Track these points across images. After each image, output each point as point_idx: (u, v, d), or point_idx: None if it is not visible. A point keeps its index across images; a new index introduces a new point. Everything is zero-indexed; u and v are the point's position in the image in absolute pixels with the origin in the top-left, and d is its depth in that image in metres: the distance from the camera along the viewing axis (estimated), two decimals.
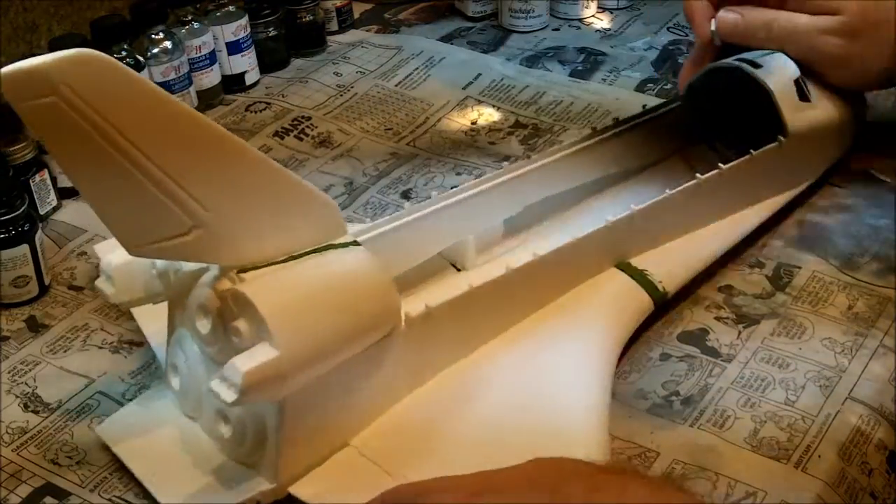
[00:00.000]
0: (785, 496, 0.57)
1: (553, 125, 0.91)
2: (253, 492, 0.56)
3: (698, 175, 0.70)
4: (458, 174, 0.86)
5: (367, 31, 1.10)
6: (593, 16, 1.10)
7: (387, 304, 0.57)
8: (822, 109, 0.76)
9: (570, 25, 1.09)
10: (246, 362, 0.50)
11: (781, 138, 0.73)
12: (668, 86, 0.96)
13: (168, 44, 0.89)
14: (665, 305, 0.69)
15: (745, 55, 0.76)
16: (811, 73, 0.76)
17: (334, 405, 0.57)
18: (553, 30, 1.08)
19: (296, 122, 0.94)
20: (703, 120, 0.80)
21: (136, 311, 0.68)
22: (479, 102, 0.96)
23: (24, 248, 0.72)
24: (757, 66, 0.74)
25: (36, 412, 0.65)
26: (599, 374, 0.61)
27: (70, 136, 0.46)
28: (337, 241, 0.58)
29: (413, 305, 0.59)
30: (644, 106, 0.81)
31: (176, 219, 0.51)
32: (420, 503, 0.47)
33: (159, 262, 0.58)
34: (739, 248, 0.74)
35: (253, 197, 0.53)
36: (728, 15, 0.77)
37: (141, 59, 0.87)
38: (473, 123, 0.93)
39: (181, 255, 0.54)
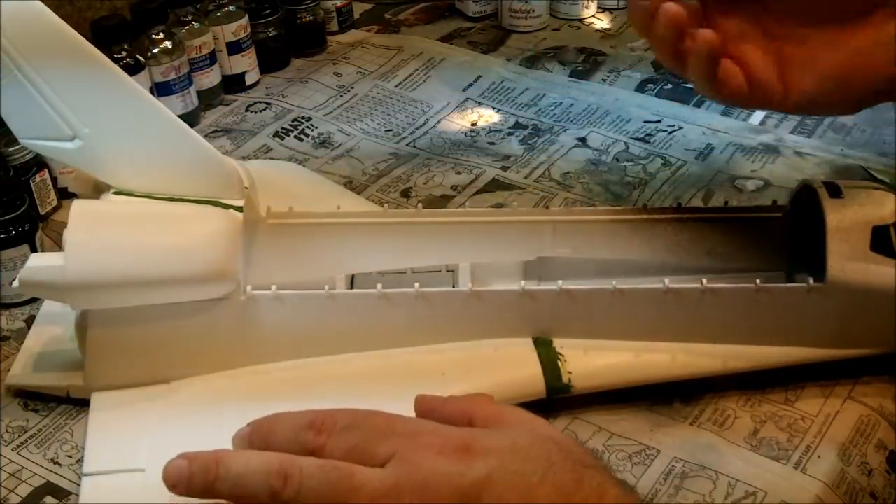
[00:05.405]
0: (785, 496, 0.57)
1: (553, 126, 0.92)
2: (67, 381, 0.64)
3: (665, 281, 0.62)
4: (458, 173, 0.86)
5: (368, 31, 1.10)
6: (593, 16, 1.10)
7: (219, 270, 0.60)
8: None
9: (570, 25, 1.09)
10: (33, 261, 0.59)
11: (811, 281, 0.61)
12: (668, 86, 0.96)
13: (168, 44, 0.89)
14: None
15: (841, 181, 0.64)
16: None
17: (152, 339, 0.61)
18: (553, 30, 1.09)
19: (296, 123, 0.94)
20: (802, 240, 0.66)
21: None
22: (479, 104, 0.96)
23: (25, 248, 0.72)
24: (838, 193, 0.62)
25: (36, 411, 0.65)
26: None
27: None
28: (224, 201, 0.62)
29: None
30: (726, 202, 0.71)
31: (57, 126, 0.60)
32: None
33: None
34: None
35: (133, 129, 0.61)
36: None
37: (141, 59, 0.87)
38: (473, 125, 0.93)
39: (65, 159, 0.63)
